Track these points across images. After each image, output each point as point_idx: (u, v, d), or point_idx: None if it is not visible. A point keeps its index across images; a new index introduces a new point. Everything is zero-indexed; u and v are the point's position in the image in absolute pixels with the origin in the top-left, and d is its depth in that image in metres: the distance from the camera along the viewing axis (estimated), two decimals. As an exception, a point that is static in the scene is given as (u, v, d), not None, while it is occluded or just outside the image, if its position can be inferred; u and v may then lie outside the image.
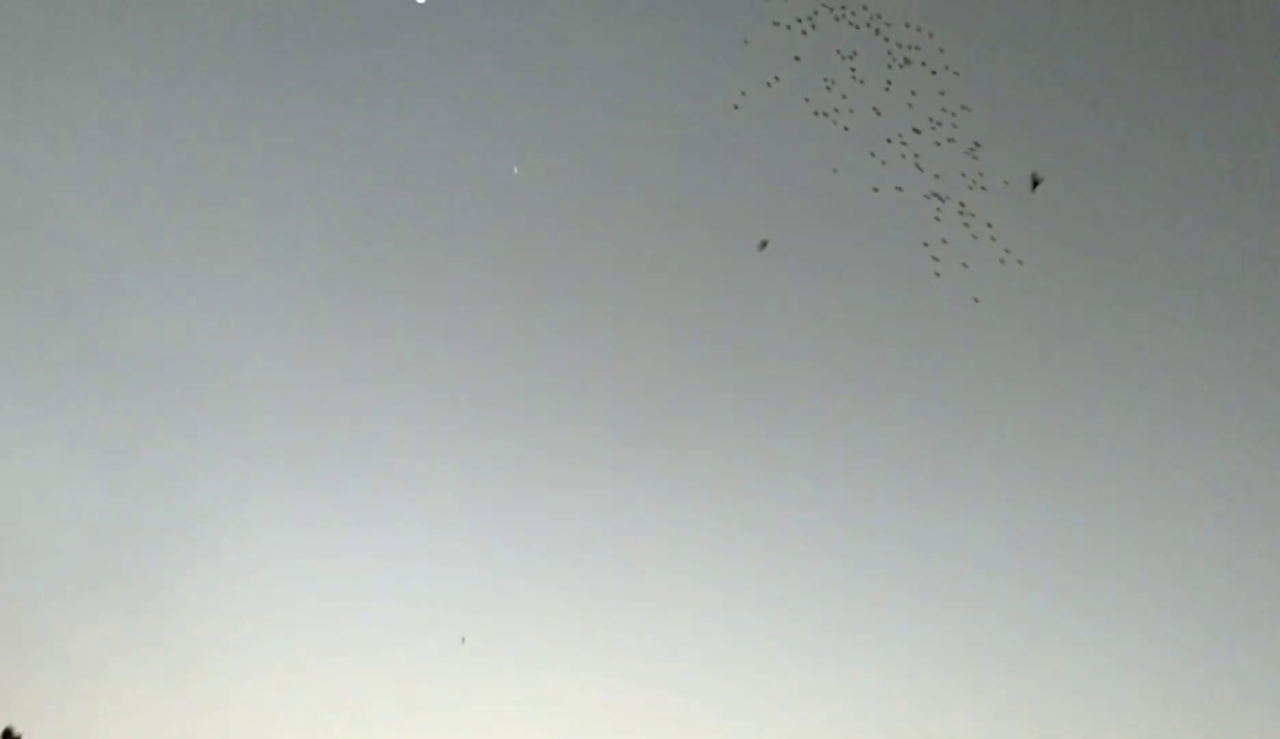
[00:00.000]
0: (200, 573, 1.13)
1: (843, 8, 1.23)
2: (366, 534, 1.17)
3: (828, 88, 1.15)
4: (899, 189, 1.14)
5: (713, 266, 1.02)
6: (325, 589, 1.16)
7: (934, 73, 1.24)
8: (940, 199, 1.14)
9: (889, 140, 1.13)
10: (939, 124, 1.22)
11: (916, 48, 1.25)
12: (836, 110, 1.18)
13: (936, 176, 1.17)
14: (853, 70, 1.22)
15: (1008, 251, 1.08)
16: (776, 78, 1.11)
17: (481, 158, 1.02)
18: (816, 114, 1.15)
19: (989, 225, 1.10)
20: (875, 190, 1.11)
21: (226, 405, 1.16)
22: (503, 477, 1.09)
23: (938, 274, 1.03)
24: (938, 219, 1.13)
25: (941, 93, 1.21)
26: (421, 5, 1.00)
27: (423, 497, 1.11)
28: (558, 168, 1.03)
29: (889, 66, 1.28)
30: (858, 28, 1.26)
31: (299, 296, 1.13)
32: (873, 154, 1.15)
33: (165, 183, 1.13)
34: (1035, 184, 0.90)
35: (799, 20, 1.20)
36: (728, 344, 1.01)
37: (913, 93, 1.22)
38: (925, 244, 1.07)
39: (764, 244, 1.04)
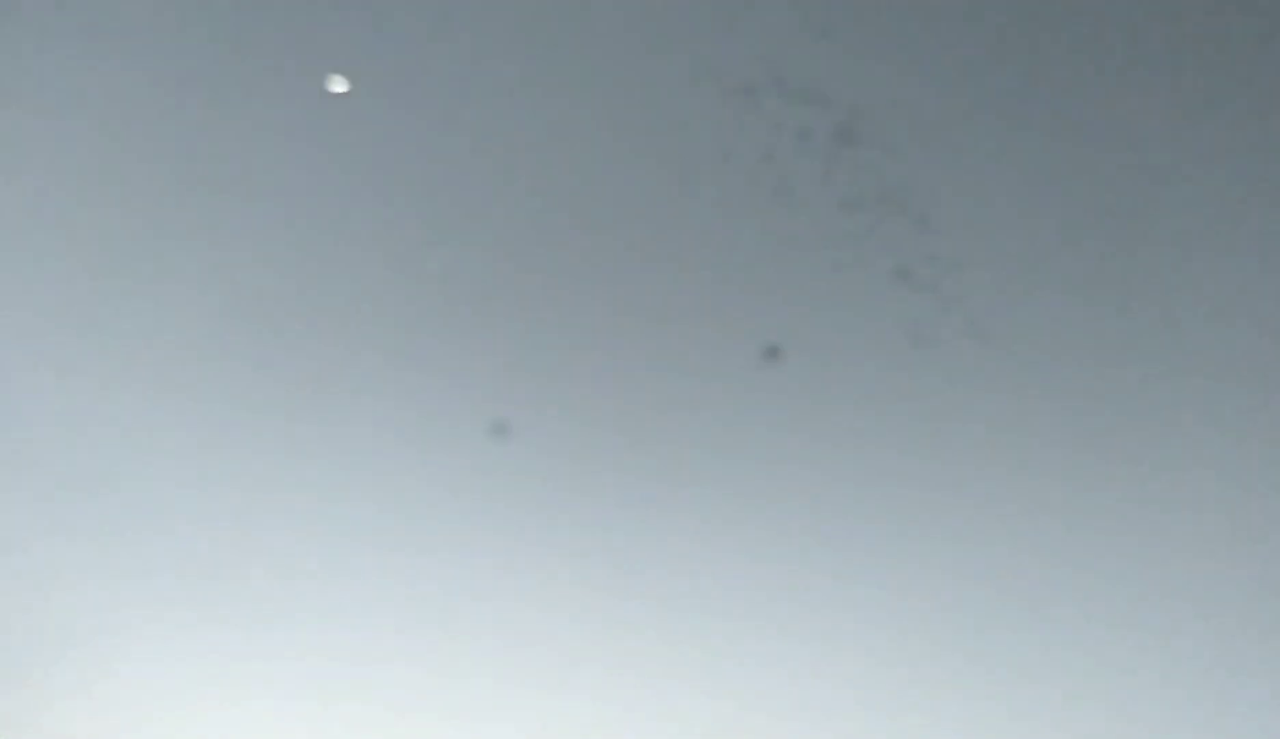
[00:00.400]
0: (68, 707, 0.93)
1: (780, 80, 1.15)
2: (274, 673, 0.94)
3: (768, 161, 1.06)
4: (856, 262, 1.04)
5: (670, 341, 0.92)
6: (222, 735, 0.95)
7: (877, 149, 1.17)
8: (902, 277, 1.04)
9: (840, 207, 1.04)
10: (886, 199, 1.14)
11: (859, 123, 1.19)
12: (783, 184, 1.08)
13: (893, 253, 1.08)
14: (797, 143, 1.14)
15: (975, 327, 0.99)
16: (726, 154, 1.02)
17: (406, 238, 0.91)
18: (759, 186, 1.06)
19: (957, 301, 1.01)
20: (836, 270, 1.01)
21: (110, 512, 0.97)
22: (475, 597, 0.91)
23: (915, 351, 0.93)
24: (901, 298, 1.04)
25: (882, 171, 1.14)
26: (344, 92, 0.88)
27: (351, 632, 0.89)
28: (507, 243, 0.92)
29: (832, 141, 1.20)
30: (800, 105, 1.19)
31: (197, 385, 0.96)
32: (822, 229, 1.07)
33: (44, 257, 0.97)
34: None
35: (741, 92, 1.12)
36: (692, 412, 0.90)
37: (858, 168, 1.14)
38: (899, 325, 0.97)
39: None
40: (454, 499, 1.12)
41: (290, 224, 1.10)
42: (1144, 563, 1.14)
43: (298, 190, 1.14)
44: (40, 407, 1.13)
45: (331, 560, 1.10)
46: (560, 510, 1.11)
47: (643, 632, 1.10)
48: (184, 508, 1.11)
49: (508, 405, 1.07)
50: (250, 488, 1.11)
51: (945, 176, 1.23)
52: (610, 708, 1.11)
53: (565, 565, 1.10)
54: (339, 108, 1.13)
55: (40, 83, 1.16)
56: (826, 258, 1.22)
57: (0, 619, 1.06)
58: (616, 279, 1.17)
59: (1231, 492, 1.14)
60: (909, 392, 1.15)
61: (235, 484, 1.12)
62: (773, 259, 1.22)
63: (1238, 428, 1.13)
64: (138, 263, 1.13)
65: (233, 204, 1.09)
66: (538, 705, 1.13)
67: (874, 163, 1.31)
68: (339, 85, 1.03)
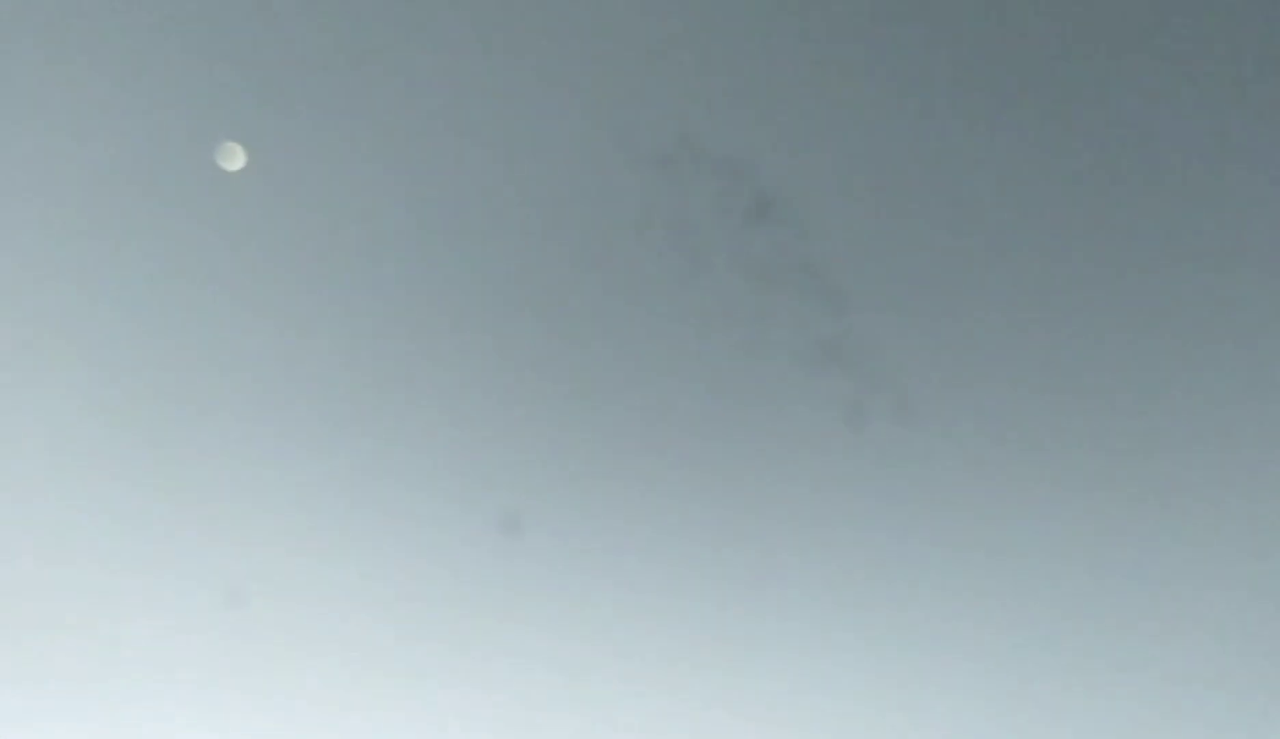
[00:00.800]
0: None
1: (696, 150, 1.14)
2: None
3: (683, 232, 1.05)
4: (775, 339, 1.04)
5: (579, 421, 0.91)
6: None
7: (793, 223, 1.15)
8: (823, 355, 1.04)
9: (756, 281, 1.04)
10: (805, 278, 1.13)
11: (775, 196, 1.17)
12: (695, 259, 1.07)
13: (810, 329, 1.08)
14: (713, 215, 1.13)
15: (903, 413, 1.00)
16: (640, 226, 1.01)
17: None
18: (675, 258, 1.04)
19: (875, 387, 1.01)
20: (749, 354, 1.01)
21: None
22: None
23: (844, 430, 0.94)
24: (822, 376, 1.04)
25: (798, 245, 1.12)
26: (232, 170, 0.85)
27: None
28: (420, 310, 0.91)
29: (747, 215, 1.18)
30: (716, 173, 1.17)
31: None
32: (734, 310, 1.05)
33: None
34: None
35: (658, 162, 1.10)
36: (591, 495, 0.89)
37: (773, 245, 1.13)
38: (822, 403, 0.98)
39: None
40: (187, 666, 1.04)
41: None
42: (1079, 643, 1.13)
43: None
44: None
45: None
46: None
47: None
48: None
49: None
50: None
51: (863, 252, 1.21)
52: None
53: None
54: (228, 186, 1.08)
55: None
56: (744, 334, 1.18)
57: None
58: (521, 357, 1.14)
59: (1161, 570, 1.13)
60: (839, 471, 1.12)
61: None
62: (688, 334, 1.18)
63: (1168, 503, 1.12)
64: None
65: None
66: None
67: (790, 237, 1.29)
68: (233, 161, 1.00)
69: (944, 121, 1.16)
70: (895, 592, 1.09)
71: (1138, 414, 1.12)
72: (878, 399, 1.19)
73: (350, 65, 1.12)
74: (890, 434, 1.15)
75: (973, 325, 1.14)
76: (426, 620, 1.05)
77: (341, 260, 1.07)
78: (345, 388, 1.08)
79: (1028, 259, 1.15)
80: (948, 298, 1.17)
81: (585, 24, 1.14)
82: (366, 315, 1.09)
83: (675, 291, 1.23)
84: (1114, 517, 1.11)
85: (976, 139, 1.15)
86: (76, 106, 1.05)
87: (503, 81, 1.15)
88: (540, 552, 1.09)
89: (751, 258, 1.24)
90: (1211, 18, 1.07)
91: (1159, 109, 1.12)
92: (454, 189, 1.11)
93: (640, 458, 1.14)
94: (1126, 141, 1.13)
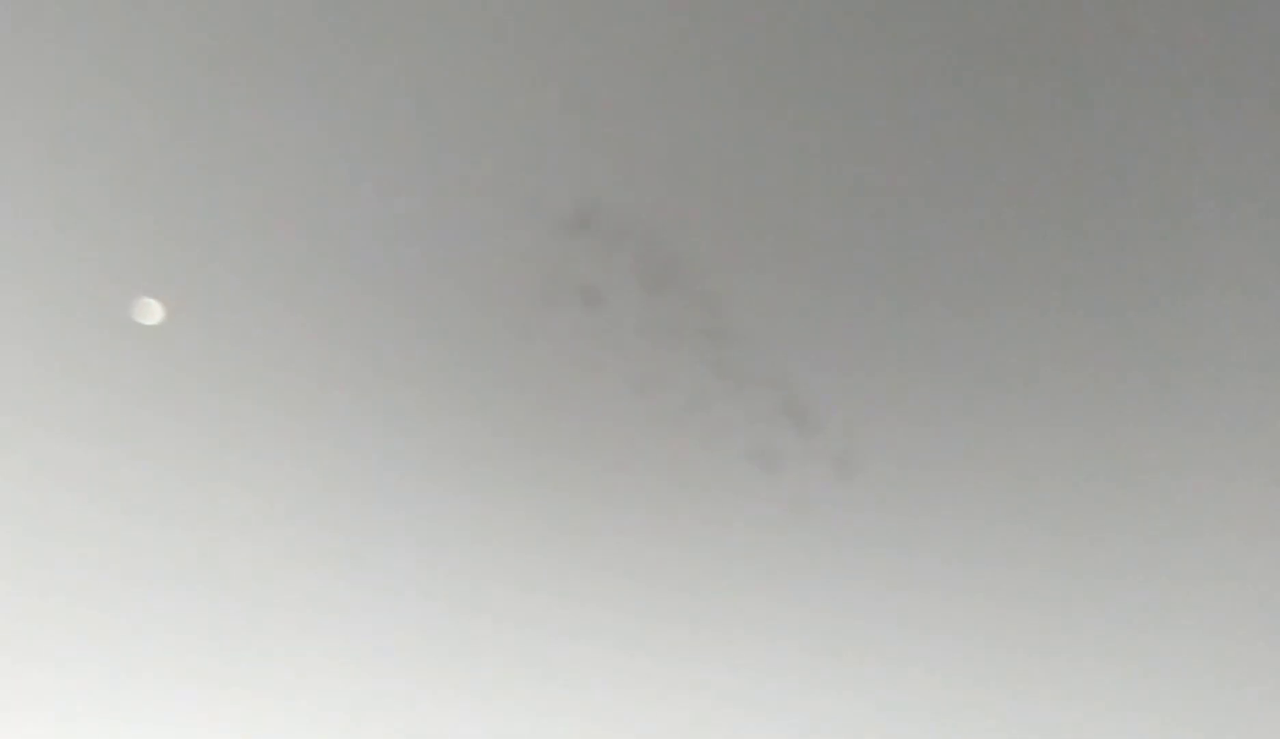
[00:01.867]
0: None
1: (589, 220, 1.18)
2: None
3: (591, 304, 1.09)
4: (696, 398, 1.07)
5: (492, 508, 0.90)
6: None
7: (705, 289, 1.20)
8: (732, 429, 1.08)
9: (668, 354, 1.07)
10: (716, 338, 1.17)
11: (688, 261, 1.22)
12: (607, 329, 1.10)
13: (723, 398, 1.11)
14: (620, 283, 1.17)
15: (839, 464, 1.03)
16: (550, 292, 1.03)
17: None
18: (586, 327, 1.07)
19: (792, 447, 1.05)
20: (661, 420, 1.04)
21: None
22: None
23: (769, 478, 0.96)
24: (750, 439, 1.07)
25: (711, 307, 1.17)
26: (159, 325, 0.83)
27: None
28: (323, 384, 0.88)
29: (654, 280, 1.23)
30: (619, 244, 1.22)
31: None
32: (645, 375, 1.09)
33: None
34: None
35: (566, 227, 1.14)
36: (532, 573, 0.87)
37: (684, 305, 1.17)
38: (751, 460, 1.00)
39: None
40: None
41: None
42: (1024, 714, 1.15)
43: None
44: None
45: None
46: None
47: None
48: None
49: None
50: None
51: (779, 317, 1.21)
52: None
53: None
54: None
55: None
56: (656, 399, 1.18)
57: None
58: (427, 422, 1.13)
59: (1096, 636, 1.17)
60: (752, 536, 1.13)
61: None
62: (599, 399, 1.18)
63: (1101, 565, 1.17)
64: None
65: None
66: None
67: (703, 303, 1.32)
68: (149, 315, 0.99)
69: (863, 183, 1.23)
70: (818, 650, 1.10)
71: (1080, 484, 1.17)
72: (796, 456, 1.22)
73: (270, 122, 1.14)
74: (806, 496, 1.17)
75: (891, 394, 1.19)
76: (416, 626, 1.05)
77: (264, 344, 1.08)
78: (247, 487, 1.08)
79: (943, 317, 1.20)
80: (865, 361, 1.20)
81: (492, 85, 1.19)
82: (264, 406, 1.10)
83: (585, 357, 1.25)
84: (1071, 585, 1.15)
85: (894, 202, 1.23)
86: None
87: (412, 143, 1.19)
88: (445, 608, 1.09)
89: (663, 323, 1.29)
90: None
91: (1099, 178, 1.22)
92: (361, 252, 1.12)
93: (549, 525, 1.15)
94: (1057, 212, 1.22)
